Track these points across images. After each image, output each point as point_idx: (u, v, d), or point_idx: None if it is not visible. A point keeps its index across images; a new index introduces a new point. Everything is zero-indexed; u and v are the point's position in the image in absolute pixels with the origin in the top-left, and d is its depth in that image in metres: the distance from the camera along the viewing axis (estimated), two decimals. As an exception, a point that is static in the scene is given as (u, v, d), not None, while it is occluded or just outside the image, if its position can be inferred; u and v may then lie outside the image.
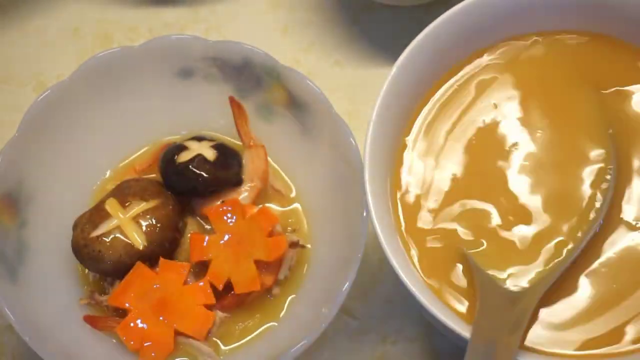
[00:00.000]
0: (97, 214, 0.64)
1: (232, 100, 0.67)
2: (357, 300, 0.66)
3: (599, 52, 0.61)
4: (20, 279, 0.64)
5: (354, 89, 0.72)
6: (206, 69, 0.68)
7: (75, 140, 0.68)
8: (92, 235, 0.64)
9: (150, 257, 0.64)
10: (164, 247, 0.65)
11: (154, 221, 0.64)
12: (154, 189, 0.66)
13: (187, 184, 0.66)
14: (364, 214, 0.61)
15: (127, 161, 0.69)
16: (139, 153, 0.70)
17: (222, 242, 0.64)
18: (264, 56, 0.66)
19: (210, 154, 0.66)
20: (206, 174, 0.65)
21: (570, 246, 0.56)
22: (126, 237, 0.64)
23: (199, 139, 0.67)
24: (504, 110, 0.60)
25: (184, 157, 0.66)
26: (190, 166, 0.65)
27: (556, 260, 0.55)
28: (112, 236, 0.64)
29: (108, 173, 0.69)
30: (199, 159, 0.65)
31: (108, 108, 0.68)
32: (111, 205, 0.65)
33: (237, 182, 0.67)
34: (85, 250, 0.64)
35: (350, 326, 0.66)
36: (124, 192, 0.65)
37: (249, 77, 0.67)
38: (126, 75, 0.68)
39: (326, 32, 0.74)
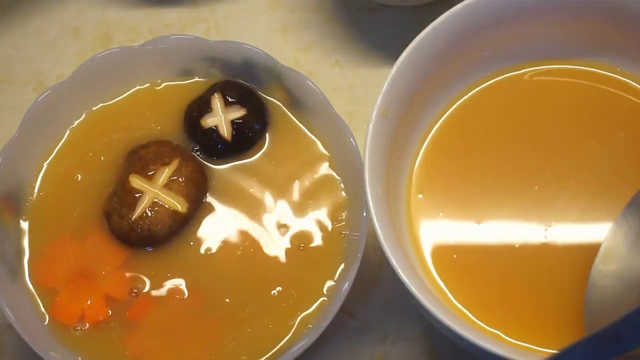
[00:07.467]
0: (127, 194, 0.64)
1: None
2: (357, 300, 0.66)
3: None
4: (20, 279, 0.64)
5: (354, 89, 0.72)
6: (206, 69, 0.68)
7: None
8: (134, 217, 0.64)
9: (193, 215, 0.64)
10: (202, 200, 0.65)
11: (184, 180, 0.64)
12: (166, 149, 0.65)
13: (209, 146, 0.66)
14: (364, 214, 0.61)
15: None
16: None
17: None
18: (264, 56, 0.66)
19: (227, 130, 0.66)
20: (225, 146, 0.66)
21: None
22: (166, 205, 0.64)
23: (227, 95, 0.66)
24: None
25: (206, 121, 0.66)
26: (212, 136, 0.66)
27: None
28: (153, 210, 0.64)
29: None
30: (217, 135, 0.66)
31: (108, 108, 0.68)
32: (137, 181, 0.64)
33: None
34: (133, 234, 0.64)
35: (350, 326, 0.66)
36: (140, 164, 0.65)
37: (249, 77, 0.67)
38: (126, 75, 0.68)
39: (326, 32, 0.74)
